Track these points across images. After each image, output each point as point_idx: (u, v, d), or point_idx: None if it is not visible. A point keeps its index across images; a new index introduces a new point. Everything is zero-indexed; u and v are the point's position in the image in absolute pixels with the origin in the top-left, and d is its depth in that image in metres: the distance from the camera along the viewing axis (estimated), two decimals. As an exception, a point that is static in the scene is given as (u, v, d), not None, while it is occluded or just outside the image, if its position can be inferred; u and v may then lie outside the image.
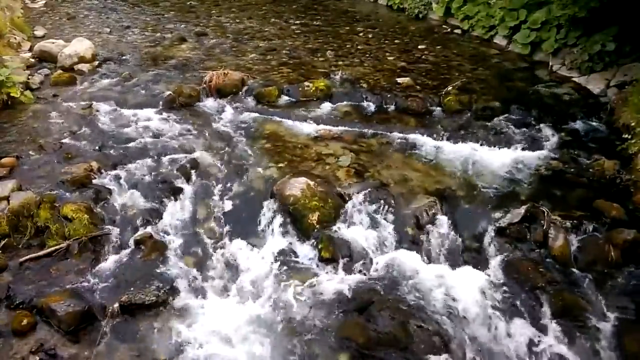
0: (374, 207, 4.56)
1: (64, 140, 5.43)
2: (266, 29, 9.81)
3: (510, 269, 4.02)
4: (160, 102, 6.40)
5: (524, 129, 5.73)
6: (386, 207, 4.55)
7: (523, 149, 5.42)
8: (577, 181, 4.89)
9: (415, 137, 5.71)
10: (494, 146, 5.49)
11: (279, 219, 4.51)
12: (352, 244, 4.27)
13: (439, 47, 8.56)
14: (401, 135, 5.77)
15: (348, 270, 4.13)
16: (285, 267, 4.14)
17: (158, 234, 4.37)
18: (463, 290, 3.88)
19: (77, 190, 4.59)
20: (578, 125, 5.86)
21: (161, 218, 4.54)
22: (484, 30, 8.91)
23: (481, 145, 5.52)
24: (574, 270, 4.01)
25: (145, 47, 8.59)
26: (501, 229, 4.31)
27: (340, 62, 7.80)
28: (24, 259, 3.97)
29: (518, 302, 3.81)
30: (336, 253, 4.19)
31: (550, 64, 7.49)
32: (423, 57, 8.10)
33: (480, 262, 4.18)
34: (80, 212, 4.27)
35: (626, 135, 5.33)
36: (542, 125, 5.81)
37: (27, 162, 5.01)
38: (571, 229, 4.22)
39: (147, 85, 6.87)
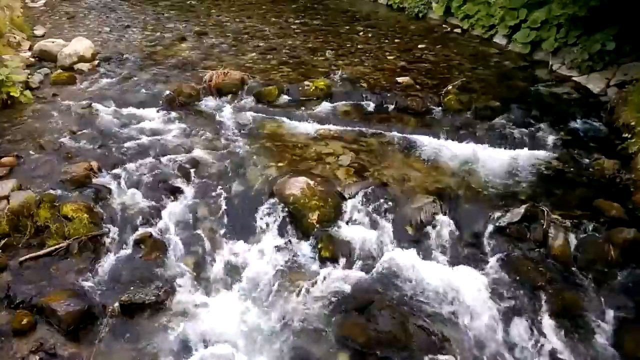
0: (373, 206, 4.56)
1: (63, 140, 5.43)
2: (266, 29, 9.81)
3: (510, 268, 4.02)
4: (160, 102, 6.40)
5: (524, 129, 5.73)
6: (386, 206, 4.54)
7: (523, 148, 5.42)
8: (577, 180, 4.89)
9: (415, 136, 5.71)
10: (494, 145, 5.50)
11: (278, 219, 4.51)
12: (352, 243, 4.27)
13: (438, 46, 8.57)
14: (401, 134, 5.77)
15: (348, 269, 4.13)
16: (285, 267, 4.15)
17: (158, 234, 4.37)
18: (463, 289, 3.88)
19: (77, 189, 4.59)
20: (578, 124, 5.85)
21: (161, 217, 4.53)
22: (484, 30, 8.92)
23: (481, 144, 5.52)
24: (574, 269, 4.01)
25: (145, 47, 8.59)
26: (501, 228, 4.30)
27: (340, 62, 7.80)
28: (23, 258, 3.97)
29: (518, 302, 3.81)
30: (336, 252, 4.19)
31: (550, 63, 7.49)
32: (423, 56, 8.10)
33: (480, 261, 4.17)
34: (80, 212, 4.26)
35: (626, 135, 5.33)
36: (542, 124, 5.80)
37: (27, 162, 5.01)
38: (571, 229, 4.21)
39: (147, 85, 6.87)
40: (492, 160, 5.27)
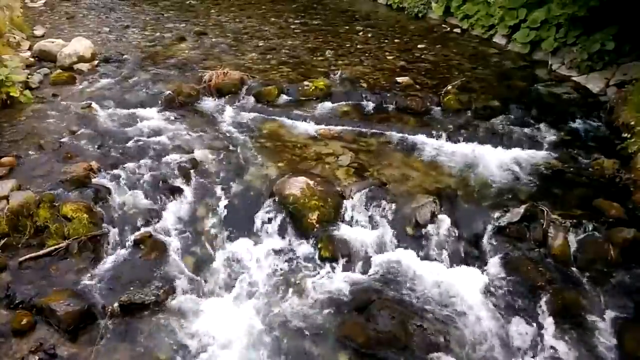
0: (373, 206, 4.56)
1: (63, 140, 5.42)
2: (266, 28, 9.81)
3: (510, 268, 4.02)
4: (160, 102, 6.39)
5: (524, 128, 5.74)
6: (386, 206, 4.54)
7: (522, 148, 5.42)
8: (577, 180, 4.90)
9: (415, 136, 5.71)
10: (494, 145, 5.49)
11: (278, 219, 4.51)
12: (352, 243, 4.27)
13: (438, 46, 8.57)
14: (401, 134, 5.77)
15: (348, 269, 4.13)
16: (284, 267, 4.15)
17: (158, 234, 4.37)
18: (463, 289, 3.89)
19: (76, 189, 4.57)
20: (577, 124, 5.86)
21: (161, 218, 4.53)
22: (484, 30, 8.92)
23: (481, 144, 5.52)
24: (574, 269, 4.01)
25: (145, 47, 8.58)
26: (501, 228, 4.30)
27: (339, 62, 7.80)
28: (23, 258, 3.97)
29: (518, 301, 3.81)
30: (336, 252, 4.19)
31: (550, 63, 7.49)
32: (422, 56, 8.10)
33: (479, 261, 4.18)
34: (80, 212, 4.26)
35: (626, 135, 5.33)
36: (541, 124, 5.81)
37: (26, 162, 5.01)
38: (571, 228, 4.21)
39: (146, 85, 6.86)
40: (491, 160, 5.27)
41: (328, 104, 6.42)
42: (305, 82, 6.77)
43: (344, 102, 6.47)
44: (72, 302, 3.59)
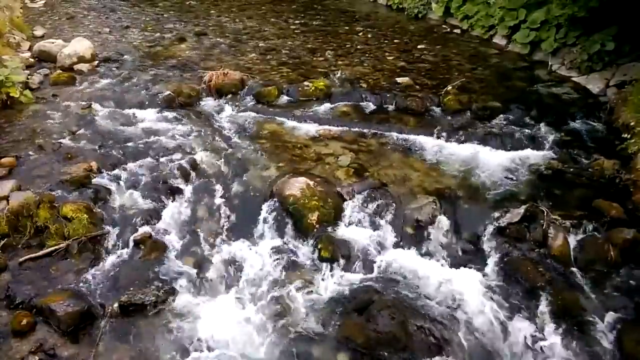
0: (373, 206, 4.56)
1: (63, 140, 5.43)
2: (266, 29, 9.82)
3: (510, 269, 4.02)
4: (160, 102, 6.40)
5: (524, 129, 5.74)
6: (386, 206, 4.55)
7: (522, 149, 5.42)
8: (577, 181, 4.90)
9: (415, 136, 5.71)
10: (494, 146, 5.49)
11: (278, 219, 4.51)
12: (352, 243, 4.27)
13: (438, 46, 8.57)
14: (401, 135, 5.77)
15: (348, 270, 4.13)
16: (284, 267, 4.14)
17: (157, 234, 4.36)
18: (462, 290, 3.88)
19: (76, 190, 4.58)
20: (577, 124, 5.86)
21: (161, 218, 4.53)
22: (484, 30, 8.92)
23: (481, 144, 5.52)
24: (574, 269, 4.01)
25: (145, 47, 8.59)
26: (501, 229, 4.30)
27: (339, 62, 7.81)
28: (23, 258, 3.97)
29: (517, 302, 3.81)
30: (336, 253, 4.19)
31: (550, 63, 7.49)
32: (422, 56, 8.10)
33: (479, 261, 4.17)
34: (80, 212, 4.26)
35: (625, 135, 5.33)
36: (541, 124, 5.81)
37: (26, 162, 5.01)
38: (571, 229, 4.22)
39: (146, 85, 6.87)
40: (491, 160, 5.27)
41: (328, 105, 6.43)
42: (305, 83, 6.78)
43: (344, 103, 6.47)
44: (72, 303, 3.59)
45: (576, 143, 5.51)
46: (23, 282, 3.81)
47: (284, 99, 6.64)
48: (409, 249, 4.27)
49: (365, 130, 5.88)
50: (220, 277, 4.15)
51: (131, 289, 3.82)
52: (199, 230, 4.49)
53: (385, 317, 3.64)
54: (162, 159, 5.18)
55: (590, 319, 3.65)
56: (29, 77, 6.81)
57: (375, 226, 4.45)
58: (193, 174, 5.01)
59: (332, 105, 6.42)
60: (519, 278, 3.93)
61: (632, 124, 5.32)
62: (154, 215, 4.52)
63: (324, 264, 4.15)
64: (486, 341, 3.61)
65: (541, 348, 3.55)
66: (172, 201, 4.70)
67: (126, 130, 5.77)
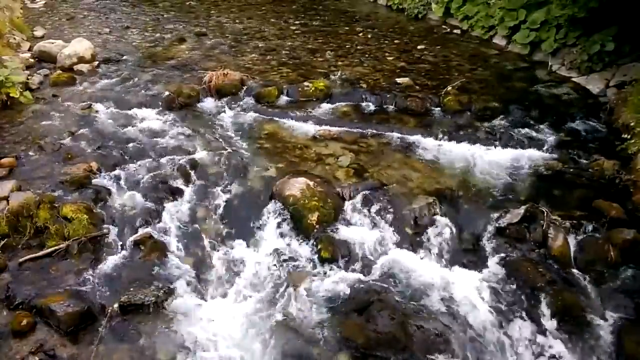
0: (373, 207, 4.56)
1: (63, 141, 5.43)
2: (266, 29, 9.82)
3: (510, 269, 4.01)
4: (160, 103, 6.41)
5: (524, 129, 5.74)
6: (386, 207, 4.55)
7: (522, 149, 5.43)
8: (577, 181, 4.90)
9: (415, 137, 5.71)
10: (494, 146, 5.50)
11: (278, 219, 4.51)
12: (352, 244, 4.27)
13: (438, 47, 8.57)
14: (401, 135, 5.77)
15: (347, 270, 4.13)
16: (284, 267, 4.14)
17: (157, 234, 4.37)
18: (462, 290, 3.88)
19: (76, 190, 4.59)
20: (577, 125, 5.86)
21: (161, 218, 4.53)
22: (484, 31, 8.93)
23: (480, 145, 5.52)
24: (574, 270, 4.01)
25: (145, 47, 8.59)
26: (501, 229, 4.30)
27: (339, 62, 7.81)
28: (23, 259, 3.97)
29: (517, 302, 3.80)
30: (336, 253, 4.18)
31: (550, 64, 7.50)
32: (422, 57, 8.10)
33: (479, 262, 4.17)
34: (80, 213, 4.26)
35: (625, 135, 5.33)
36: (541, 125, 5.81)
37: (26, 163, 5.01)
38: (571, 229, 4.22)
39: (146, 86, 6.88)
40: (491, 160, 5.28)
41: (328, 105, 6.43)
42: (305, 83, 6.78)
43: (344, 103, 6.48)
44: (72, 303, 3.59)
45: (576, 143, 5.51)
46: (23, 283, 3.81)
47: (284, 99, 6.64)
48: (409, 249, 4.27)
49: (365, 131, 5.88)
50: (220, 278, 4.15)
51: (131, 289, 3.82)
52: (199, 230, 4.49)
53: (385, 317, 3.64)
54: (162, 159, 5.18)
55: (591, 319, 3.65)
56: (29, 77, 6.81)
57: (375, 226, 4.45)
58: (193, 174, 5.02)
59: (332, 106, 6.43)
60: (519, 278, 3.93)
61: (632, 124, 5.32)
62: (154, 216, 4.52)
63: (324, 264, 4.15)
64: (486, 341, 3.61)
65: (541, 348, 3.55)
66: (172, 201, 4.70)
67: (126, 131, 5.77)
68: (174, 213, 4.60)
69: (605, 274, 3.95)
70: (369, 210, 4.54)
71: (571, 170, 5.06)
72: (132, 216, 4.48)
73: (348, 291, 3.90)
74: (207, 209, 4.68)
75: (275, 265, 4.16)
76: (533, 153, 5.37)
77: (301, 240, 4.37)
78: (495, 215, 4.42)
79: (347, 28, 9.88)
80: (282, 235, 4.43)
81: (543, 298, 3.77)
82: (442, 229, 4.37)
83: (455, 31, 9.49)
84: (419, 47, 8.59)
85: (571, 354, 3.50)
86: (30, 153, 5.16)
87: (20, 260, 3.96)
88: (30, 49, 8.10)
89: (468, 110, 6.20)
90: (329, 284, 3.98)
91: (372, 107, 6.41)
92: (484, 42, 8.83)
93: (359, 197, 4.63)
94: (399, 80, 6.97)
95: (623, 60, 6.63)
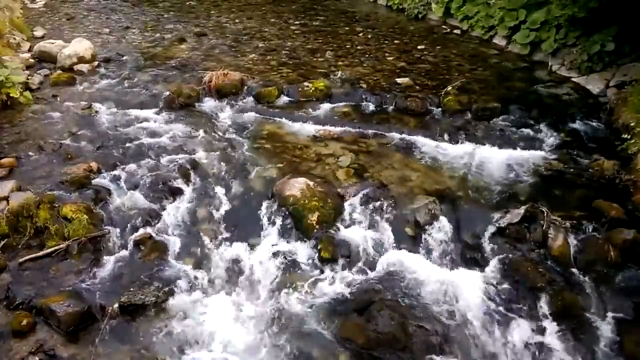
0: (373, 207, 4.56)
1: (63, 141, 5.43)
2: (266, 29, 9.82)
3: (510, 269, 4.01)
4: (160, 103, 6.40)
5: (524, 129, 5.74)
6: (386, 207, 4.54)
7: (522, 149, 5.43)
8: (577, 181, 4.90)
9: (415, 137, 5.71)
10: (494, 146, 5.50)
11: (278, 220, 4.51)
12: (352, 244, 4.27)
13: (438, 47, 8.57)
14: (401, 135, 5.77)
15: (348, 270, 4.13)
16: (284, 268, 4.14)
17: (157, 235, 4.37)
18: (462, 290, 3.88)
19: (76, 190, 4.58)
20: (577, 125, 5.86)
21: (161, 218, 4.53)
22: (484, 31, 8.93)
23: (481, 145, 5.52)
24: (574, 270, 4.01)
25: (145, 48, 8.59)
26: (501, 229, 4.30)
27: (339, 63, 7.81)
28: (23, 259, 3.97)
29: (517, 302, 3.81)
30: (336, 253, 4.19)
31: (550, 64, 7.50)
32: (422, 57, 8.10)
33: (479, 262, 4.17)
34: (80, 213, 4.26)
35: (625, 135, 5.33)
36: (541, 125, 5.81)
37: (26, 163, 5.01)
38: (571, 229, 4.21)
39: (146, 86, 6.87)
40: (491, 161, 5.28)
41: (328, 105, 6.43)
42: (305, 83, 6.78)
43: (344, 103, 6.48)
44: (72, 303, 3.59)
45: (576, 143, 5.51)
46: (23, 283, 3.81)
47: (284, 99, 6.64)
48: (409, 249, 4.27)
49: (365, 131, 5.88)
50: (220, 278, 4.15)
51: (131, 289, 3.82)
52: (199, 230, 4.49)
53: (385, 318, 3.65)
54: (162, 160, 5.18)
55: (590, 319, 3.66)
56: (29, 77, 6.81)
57: (375, 227, 4.45)
58: (193, 174, 5.01)
59: (332, 106, 6.42)
60: (519, 278, 3.93)
61: (632, 124, 5.32)
62: (154, 216, 4.52)
63: (324, 265, 4.16)
64: (486, 342, 3.61)
65: (541, 348, 3.55)
66: (172, 202, 4.70)
67: (126, 131, 5.77)
68: (174, 213, 4.60)
69: (605, 274, 3.94)
70: (369, 211, 4.54)
71: (571, 170, 5.06)
72: (132, 216, 4.48)
73: (348, 291, 3.91)
74: (207, 209, 4.67)
75: (275, 265, 4.16)
76: (533, 153, 5.37)
77: (301, 241, 4.36)
78: (495, 215, 4.42)
79: (347, 28, 9.88)
80: (282, 235, 4.43)
81: (543, 298, 3.77)
82: (442, 229, 4.37)
83: (455, 31, 9.49)
84: (419, 47, 8.59)
85: (571, 354, 3.50)
86: (30, 153, 5.16)
87: (20, 260, 3.96)
88: (30, 49, 8.10)
89: (468, 110, 6.19)
90: (329, 284, 3.99)
91: (372, 107, 6.41)
92: (484, 42, 8.83)
93: (359, 197, 4.63)
94: (399, 80, 6.97)
95: (623, 60, 6.63)
